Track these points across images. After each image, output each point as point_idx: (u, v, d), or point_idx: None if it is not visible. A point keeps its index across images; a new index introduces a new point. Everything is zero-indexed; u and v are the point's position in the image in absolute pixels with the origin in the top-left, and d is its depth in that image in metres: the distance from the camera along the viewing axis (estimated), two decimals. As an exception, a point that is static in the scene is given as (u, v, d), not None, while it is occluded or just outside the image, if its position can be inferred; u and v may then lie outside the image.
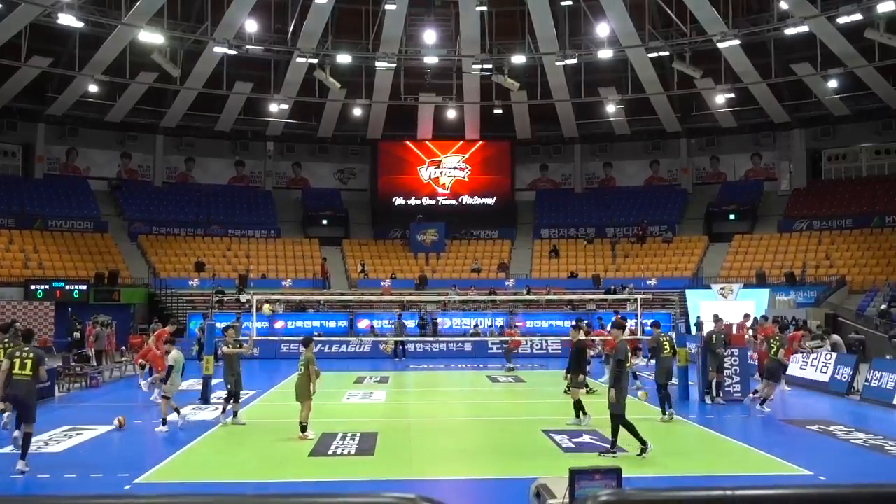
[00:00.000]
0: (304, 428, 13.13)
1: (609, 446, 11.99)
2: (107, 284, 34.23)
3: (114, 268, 35.61)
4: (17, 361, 11.20)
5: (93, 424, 14.41)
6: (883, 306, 29.85)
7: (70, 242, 37.30)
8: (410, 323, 32.47)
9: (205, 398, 17.61)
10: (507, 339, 27.37)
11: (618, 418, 11.83)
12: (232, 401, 14.92)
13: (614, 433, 11.93)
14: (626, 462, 10.42)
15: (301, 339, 15.13)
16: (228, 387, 14.95)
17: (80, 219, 38.84)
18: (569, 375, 15.85)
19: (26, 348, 11.48)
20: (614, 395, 11.78)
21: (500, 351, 30.46)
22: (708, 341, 18.34)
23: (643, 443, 11.65)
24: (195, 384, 19.05)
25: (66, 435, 13.51)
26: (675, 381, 17.36)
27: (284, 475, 11.04)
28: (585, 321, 23.85)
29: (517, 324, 33.88)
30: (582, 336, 16.29)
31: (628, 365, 12.22)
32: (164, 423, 14.14)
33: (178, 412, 14.64)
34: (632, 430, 11.74)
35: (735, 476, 10.90)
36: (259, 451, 12.60)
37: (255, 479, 10.90)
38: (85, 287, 33.20)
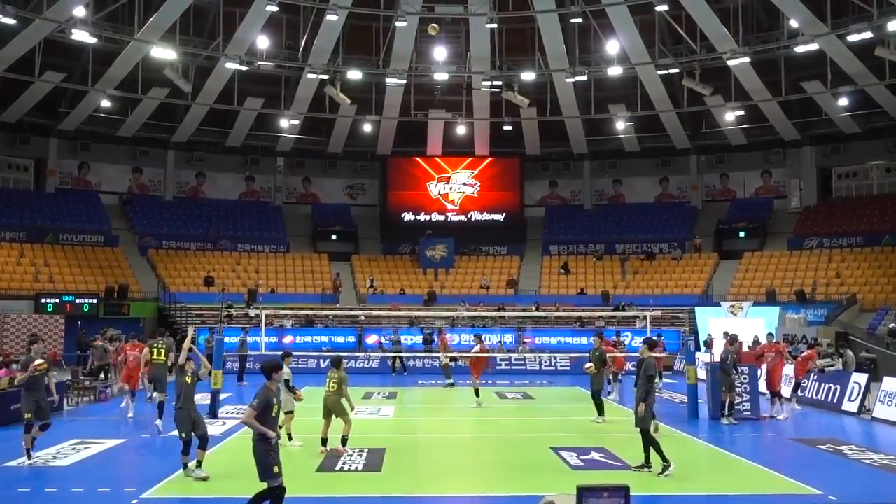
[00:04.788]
0: (344, 441, 13.34)
1: (643, 463, 11.95)
2: (116, 298, 34.32)
3: (123, 282, 35.72)
4: (154, 350, 16.78)
5: (101, 438, 14.42)
6: (893, 325, 29.66)
7: (80, 256, 37.46)
8: (417, 339, 32.50)
9: (213, 413, 17.61)
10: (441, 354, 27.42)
11: (645, 433, 11.80)
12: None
13: (646, 449, 11.90)
14: (634, 480, 10.35)
15: (331, 358, 14.89)
16: (183, 436, 11.57)
17: (91, 233, 39.02)
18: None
19: (160, 339, 17.63)
20: (643, 410, 11.78)
21: (508, 367, 30.48)
22: (723, 361, 18.22)
23: (665, 461, 11.58)
24: (203, 398, 19.03)
25: (73, 448, 13.50)
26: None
27: (291, 490, 10.97)
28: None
29: (525, 340, 33.79)
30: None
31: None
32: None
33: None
34: (657, 447, 11.68)
35: (744, 495, 10.82)
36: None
37: (263, 494, 10.86)
38: (95, 301, 33.33)
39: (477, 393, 20.86)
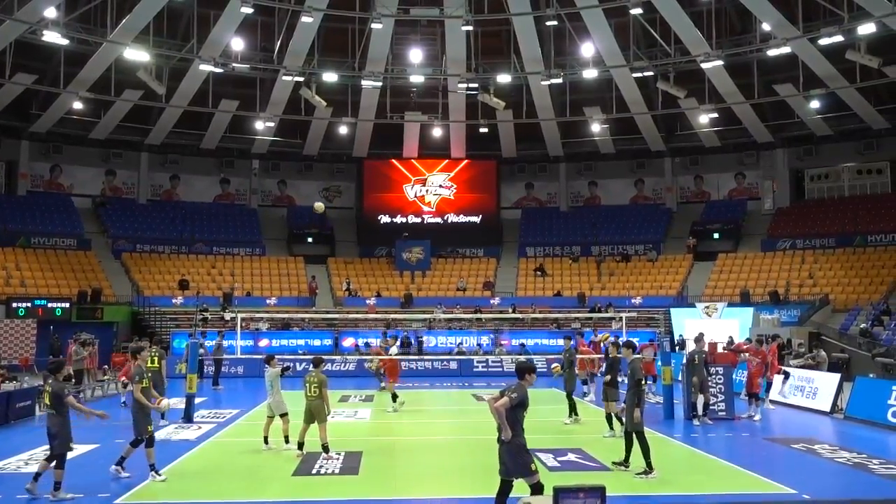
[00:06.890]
0: (326, 448, 13.20)
1: (622, 461, 12.12)
2: (90, 302, 33.96)
3: (97, 286, 35.34)
4: (149, 358, 16.06)
5: (73, 443, 14.21)
6: (864, 325, 30.03)
7: (53, 260, 37.03)
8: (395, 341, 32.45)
9: (188, 417, 17.52)
10: (371, 357, 27.22)
11: (638, 435, 11.75)
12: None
13: (628, 449, 11.98)
14: (610, 480, 10.39)
15: (312, 358, 14.79)
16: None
17: (64, 236, 38.60)
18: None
19: (154, 348, 18.30)
20: (639, 416, 11.74)
21: (485, 369, 30.53)
22: (690, 361, 18.34)
23: (650, 467, 11.60)
24: (178, 402, 18.90)
25: (46, 454, 13.29)
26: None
27: (268, 495, 10.95)
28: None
29: (502, 342, 33.84)
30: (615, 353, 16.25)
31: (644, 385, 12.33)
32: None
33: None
34: (646, 452, 11.67)
35: (719, 495, 10.88)
36: (242, 470, 12.49)
37: (239, 498, 10.81)
38: (67, 305, 32.92)
39: (394, 398, 20.37)
